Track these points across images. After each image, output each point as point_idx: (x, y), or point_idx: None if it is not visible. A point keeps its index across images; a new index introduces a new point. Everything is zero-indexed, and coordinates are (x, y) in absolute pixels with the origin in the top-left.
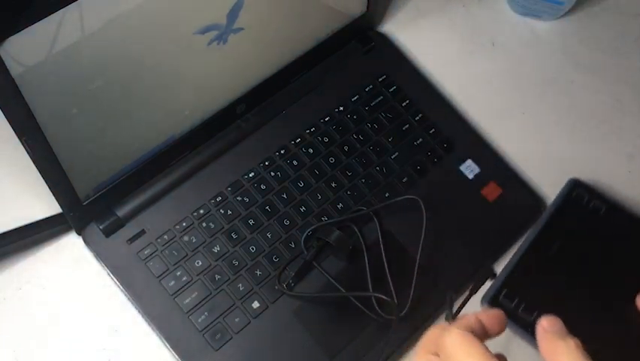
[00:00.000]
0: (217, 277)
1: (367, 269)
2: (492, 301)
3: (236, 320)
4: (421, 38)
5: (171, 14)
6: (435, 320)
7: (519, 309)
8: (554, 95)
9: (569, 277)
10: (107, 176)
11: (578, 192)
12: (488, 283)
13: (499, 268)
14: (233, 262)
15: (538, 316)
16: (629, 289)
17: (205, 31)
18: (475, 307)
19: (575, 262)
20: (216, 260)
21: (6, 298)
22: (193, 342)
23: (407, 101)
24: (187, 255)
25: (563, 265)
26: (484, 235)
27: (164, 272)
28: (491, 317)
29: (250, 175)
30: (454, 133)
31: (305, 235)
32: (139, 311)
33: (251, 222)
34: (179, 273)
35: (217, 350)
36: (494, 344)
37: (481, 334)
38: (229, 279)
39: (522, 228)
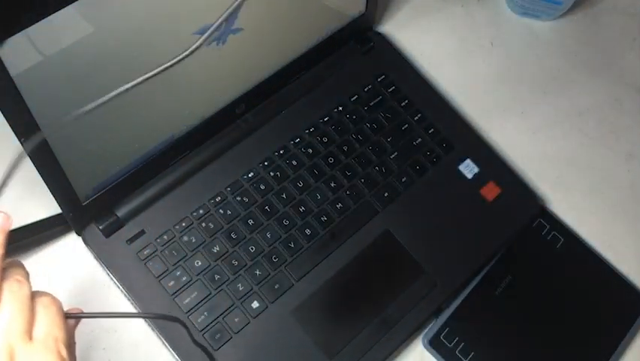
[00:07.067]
0: (217, 277)
1: (367, 270)
2: (433, 340)
3: (236, 319)
4: (419, 38)
5: (171, 14)
6: (434, 321)
7: (457, 349)
8: (553, 95)
9: (512, 317)
10: (106, 176)
11: (540, 222)
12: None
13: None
14: (233, 262)
15: (474, 356)
16: (569, 328)
17: (204, 31)
18: (416, 346)
19: (520, 301)
20: (216, 260)
21: None
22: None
23: (406, 101)
24: (186, 255)
25: (506, 304)
26: (483, 234)
27: (163, 272)
28: None
29: (249, 175)
30: (453, 133)
31: None
32: (139, 311)
33: (250, 222)
34: (178, 273)
35: (217, 349)
36: None
37: None
38: (228, 279)
39: (521, 227)
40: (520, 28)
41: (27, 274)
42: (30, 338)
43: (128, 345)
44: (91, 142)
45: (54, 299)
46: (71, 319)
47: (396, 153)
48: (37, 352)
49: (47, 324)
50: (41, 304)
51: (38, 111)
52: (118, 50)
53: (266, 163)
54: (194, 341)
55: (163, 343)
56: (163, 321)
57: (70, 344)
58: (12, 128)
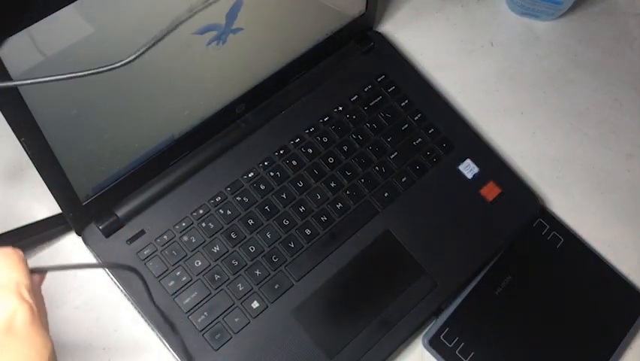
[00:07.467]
0: (217, 277)
1: (367, 270)
2: (433, 340)
3: (236, 319)
4: (419, 38)
5: (170, 14)
6: (434, 321)
7: (457, 349)
8: (553, 95)
9: (512, 317)
10: (106, 176)
11: (539, 222)
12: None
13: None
14: (233, 262)
15: (475, 356)
16: (569, 328)
17: (204, 31)
18: (416, 346)
19: (520, 301)
20: (216, 260)
21: None
22: (193, 342)
23: (406, 101)
24: (186, 255)
25: (506, 304)
26: (483, 234)
27: (163, 272)
28: None
29: (249, 175)
30: (453, 133)
31: None
32: (139, 311)
33: (250, 222)
34: (178, 273)
35: (217, 349)
36: None
37: None
38: (228, 279)
39: (520, 227)
40: (520, 28)
41: None
42: None
43: (128, 345)
44: (91, 142)
45: (15, 249)
46: (35, 275)
47: (396, 153)
48: None
49: (7, 269)
50: (1, 253)
51: (38, 112)
52: (117, 50)
53: (266, 163)
54: (151, 297)
55: (164, 343)
56: (164, 322)
57: (38, 298)
58: (11, 128)
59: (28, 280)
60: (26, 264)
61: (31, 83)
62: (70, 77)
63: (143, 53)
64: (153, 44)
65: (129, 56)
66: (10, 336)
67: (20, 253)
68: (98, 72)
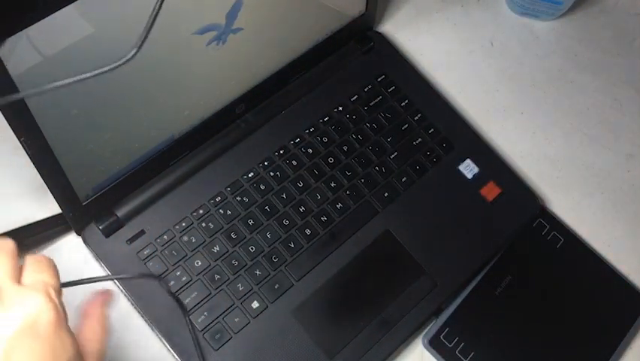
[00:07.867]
0: (217, 277)
1: (367, 270)
2: (433, 340)
3: (236, 319)
4: (419, 38)
5: (170, 15)
6: (434, 321)
7: (457, 349)
8: (553, 95)
9: (512, 317)
10: (106, 176)
11: (539, 222)
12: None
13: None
14: (233, 262)
15: (475, 356)
16: (569, 328)
17: (204, 31)
18: (416, 346)
19: (520, 301)
20: (216, 260)
21: None
22: (193, 342)
23: (406, 101)
24: (187, 255)
25: (506, 304)
26: (483, 234)
27: (163, 272)
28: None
29: (249, 175)
30: (453, 133)
31: None
32: (138, 311)
33: (250, 222)
34: (178, 273)
35: (217, 349)
36: None
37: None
38: (228, 279)
39: (520, 227)
40: (520, 28)
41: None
42: (18, 282)
43: (128, 345)
44: (91, 142)
45: (44, 256)
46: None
47: (396, 153)
48: (24, 292)
49: (36, 271)
50: (31, 258)
51: (37, 112)
52: (117, 51)
53: (266, 163)
54: (171, 293)
55: (163, 343)
56: (164, 322)
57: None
58: (11, 128)
59: (56, 282)
60: (56, 269)
61: (35, 93)
62: (75, 81)
63: (143, 43)
64: (149, 30)
65: (129, 52)
66: (33, 334)
67: (51, 259)
68: (100, 73)
